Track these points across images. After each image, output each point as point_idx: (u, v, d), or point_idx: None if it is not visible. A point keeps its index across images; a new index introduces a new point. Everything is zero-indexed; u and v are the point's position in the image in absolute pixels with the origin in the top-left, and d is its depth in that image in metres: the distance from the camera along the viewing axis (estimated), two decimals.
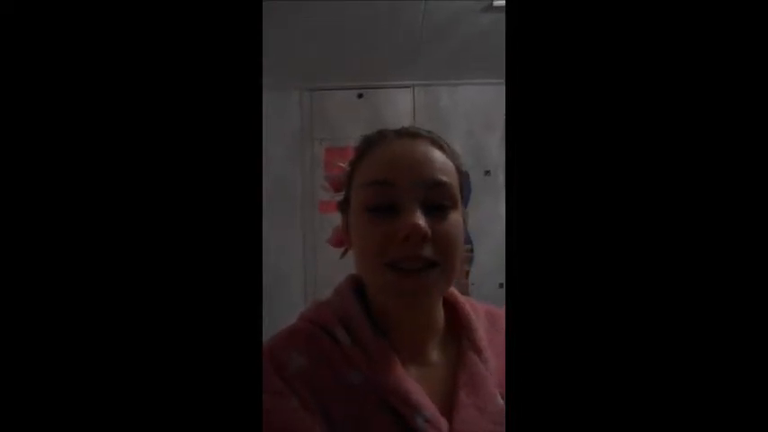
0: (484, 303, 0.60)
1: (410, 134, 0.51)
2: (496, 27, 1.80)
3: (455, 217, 0.48)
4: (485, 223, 2.17)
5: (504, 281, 2.21)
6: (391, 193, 0.46)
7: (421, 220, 0.44)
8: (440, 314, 0.54)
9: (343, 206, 0.54)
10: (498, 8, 1.68)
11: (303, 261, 2.28)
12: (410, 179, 0.46)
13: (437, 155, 0.49)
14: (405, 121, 2.46)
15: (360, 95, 2.31)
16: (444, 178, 0.47)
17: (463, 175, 0.52)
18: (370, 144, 0.51)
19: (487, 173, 2.26)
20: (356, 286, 0.53)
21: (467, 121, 2.27)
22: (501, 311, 0.59)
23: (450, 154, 0.51)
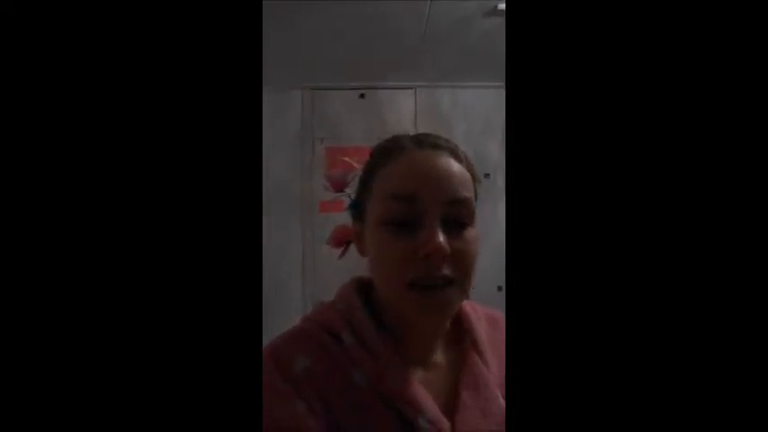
0: (484, 307, 0.60)
1: (430, 144, 0.49)
2: (499, 31, 1.80)
3: (472, 233, 0.47)
4: (483, 226, 2.16)
5: (502, 284, 2.21)
6: (413, 208, 0.45)
7: (442, 239, 0.44)
8: None
9: (355, 213, 0.53)
10: (502, 12, 1.68)
11: (302, 261, 2.27)
12: (433, 195, 0.45)
13: (457, 168, 0.48)
14: (406, 123, 2.42)
15: (362, 95, 2.31)
16: (465, 194, 0.47)
17: (478, 184, 0.51)
18: (388, 152, 0.50)
19: (487, 176, 2.25)
20: (361, 288, 0.53)
21: (467, 124, 2.28)
22: (501, 315, 0.59)
23: (467, 164, 0.50)
